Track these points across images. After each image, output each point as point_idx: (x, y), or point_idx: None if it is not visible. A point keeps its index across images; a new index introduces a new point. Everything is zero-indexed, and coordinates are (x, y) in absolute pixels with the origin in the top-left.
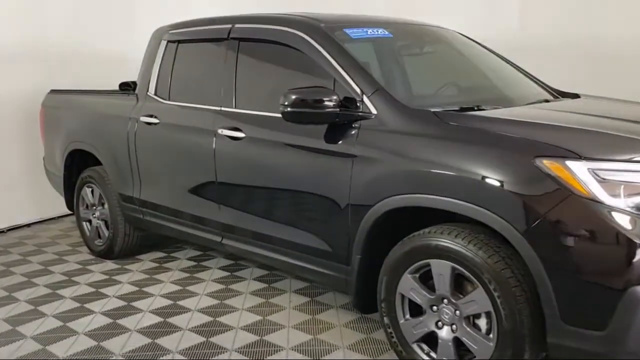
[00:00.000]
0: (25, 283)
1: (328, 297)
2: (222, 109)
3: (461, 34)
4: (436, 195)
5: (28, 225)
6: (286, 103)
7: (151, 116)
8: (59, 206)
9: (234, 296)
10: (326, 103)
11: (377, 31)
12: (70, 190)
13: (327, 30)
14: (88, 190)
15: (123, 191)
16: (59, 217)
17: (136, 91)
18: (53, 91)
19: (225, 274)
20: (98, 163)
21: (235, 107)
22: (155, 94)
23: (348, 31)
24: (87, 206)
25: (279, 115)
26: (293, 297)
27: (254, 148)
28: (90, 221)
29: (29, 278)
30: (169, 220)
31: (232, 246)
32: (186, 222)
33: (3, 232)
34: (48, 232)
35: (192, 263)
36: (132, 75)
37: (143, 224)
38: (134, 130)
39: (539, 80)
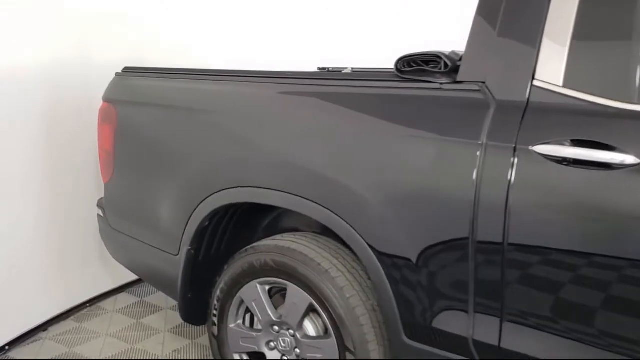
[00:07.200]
0: None
1: None
2: None
3: None
4: None
5: (44, 327)
6: None
7: (585, 144)
8: (91, 287)
9: None
10: None
11: None
12: (201, 284)
13: None
14: (261, 290)
15: (440, 324)
16: (89, 302)
17: (463, 78)
18: (130, 71)
19: None
20: (274, 226)
21: None
22: (574, 87)
23: None
24: (246, 321)
25: None
26: None
27: None
28: (261, 355)
29: None
30: None
31: None
32: None
33: (4, 350)
34: (94, 347)
35: None
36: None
37: None
38: (503, 178)
39: None
